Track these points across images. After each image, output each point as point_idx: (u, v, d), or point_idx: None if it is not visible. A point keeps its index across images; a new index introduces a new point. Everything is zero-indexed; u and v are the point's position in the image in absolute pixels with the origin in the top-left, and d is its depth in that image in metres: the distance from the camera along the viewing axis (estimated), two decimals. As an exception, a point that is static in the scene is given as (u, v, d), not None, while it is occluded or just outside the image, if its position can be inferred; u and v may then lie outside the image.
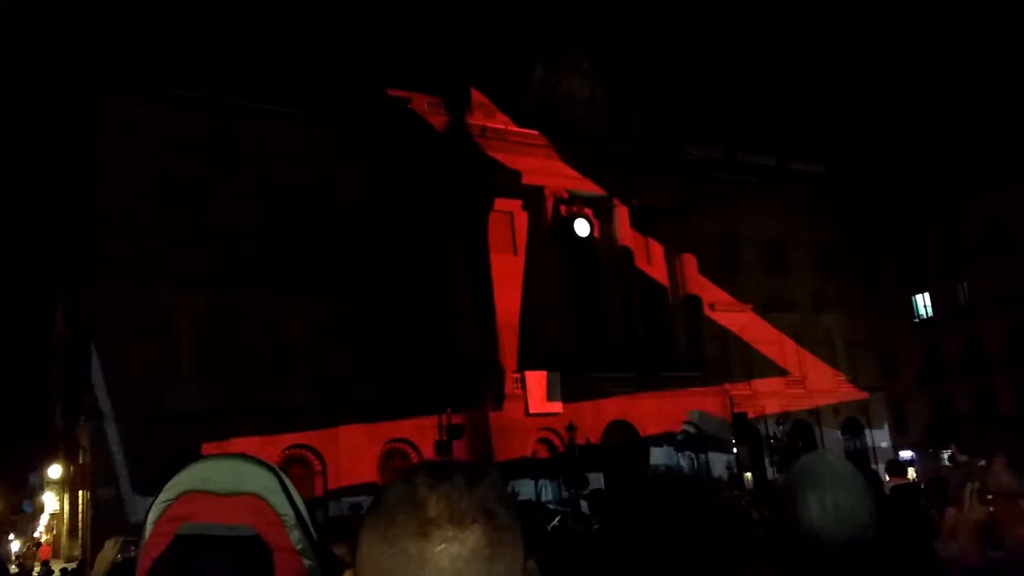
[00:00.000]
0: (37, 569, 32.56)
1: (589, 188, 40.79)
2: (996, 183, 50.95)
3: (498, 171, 38.57)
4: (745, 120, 50.66)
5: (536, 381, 36.77)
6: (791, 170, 50.24)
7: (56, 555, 37.09)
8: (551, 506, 25.49)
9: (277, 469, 1.31)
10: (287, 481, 1.30)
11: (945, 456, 48.36)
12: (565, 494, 32.65)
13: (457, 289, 37.11)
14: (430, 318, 36.21)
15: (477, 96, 39.62)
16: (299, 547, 1.26)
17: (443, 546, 0.94)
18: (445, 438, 30.87)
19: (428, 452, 33.79)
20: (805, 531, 1.99)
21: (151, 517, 1.26)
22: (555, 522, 9.45)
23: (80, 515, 33.68)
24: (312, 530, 1.29)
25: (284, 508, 1.26)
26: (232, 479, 1.26)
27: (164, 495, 1.27)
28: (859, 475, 2.05)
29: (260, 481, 1.27)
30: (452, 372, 34.96)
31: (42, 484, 48.15)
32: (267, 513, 1.25)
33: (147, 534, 1.25)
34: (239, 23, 39.71)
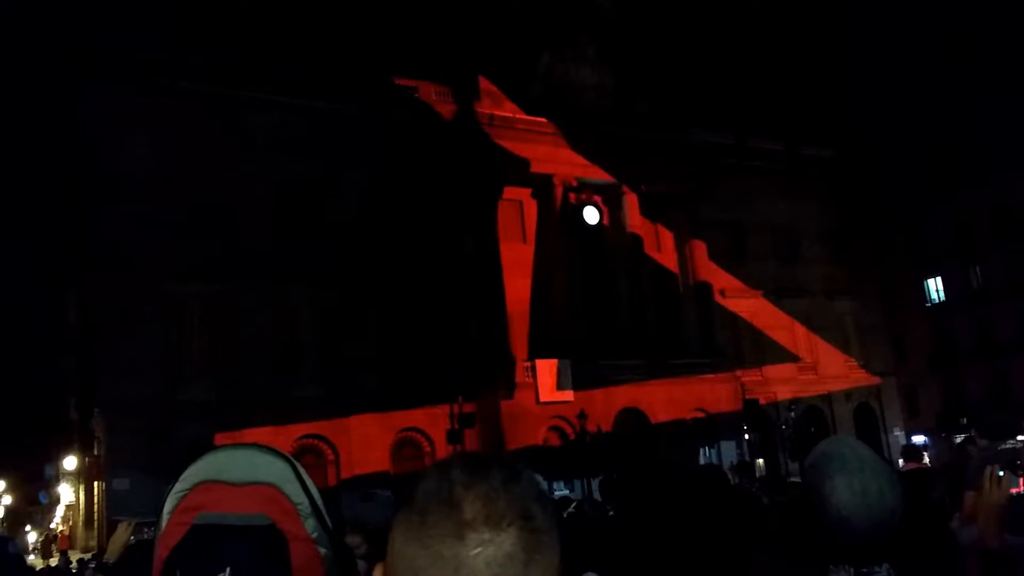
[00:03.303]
0: (56, 559, 32.87)
1: (598, 175, 40.67)
2: (1008, 166, 50.55)
3: (507, 159, 38.49)
4: (754, 105, 50.35)
5: (547, 369, 36.79)
6: (801, 155, 49.97)
7: (72, 546, 37.45)
8: (566, 493, 25.55)
9: (292, 458, 1.32)
10: (302, 470, 1.30)
11: (957, 440, 48.16)
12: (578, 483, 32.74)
13: (467, 278, 37.12)
14: (440, 307, 36.25)
15: (485, 84, 39.50)
16: (314, 536, 1.26)
17: (479, 549, 0.91)
18: (457, 427, 30.95)
19: (440, 441, 33.91)
20: (834, 517, 1.95)
21: (167, 507, 1.26)
22: (571, 508, 9.48)
23: (96, 506, 33.98)
24: (327, 519, 1.29)
25: (299, 497, 1.26)
26: (247, 469, 1.27)
27: (179, 485, 1.27)
28: (880, 458, 2.03)
29: (275, 470, 1.28)
30: (463, 361, 35.02)
31: (58, 475, 48.61)
32: (282, 502, 1.25)
33: (163, 524, 1.25)
34: (243, 12, 39.65)
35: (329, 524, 1.29)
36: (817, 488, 2.00)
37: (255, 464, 1.27)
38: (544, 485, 1.00)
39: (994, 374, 51.61)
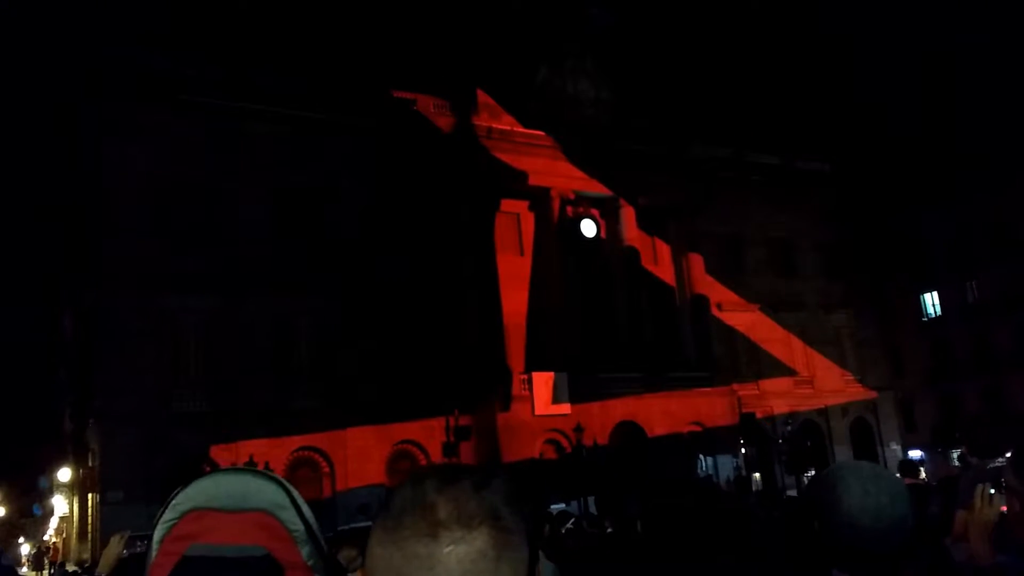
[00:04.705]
0: (47, 572, 32.69)
1: (595, 188, 40.77)
2: (1005, 181, 50.76)
3: (504, 172, 38.58)
4: (752, 119, 50.56)
5: (543, 382, 36.75)
6: (798, 169, 50.14)
7: (66, 558, 37.21)
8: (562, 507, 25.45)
9: (285, 482, 1.28)
10: (296, 494, 1.27)
11: (955, 455, 48.21)
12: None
13: (464, 290, 37.13)
14: (437, 319, 36.23)
15: (483, 97, 39.64)
16: (311, 563, 1.22)
17: (451, 547, 0.96)
18: (452, 439, 30.88)
19: (435, 453, 33.82)
20: (844, 515, 1.97)
21: (156, 536, 1.22)
22: (569, 524, 9.47)
23: (89, 518, 33.79)
24: (323, 543, 1.26)
25: (294, 523, 1.23)
26: (239, 495, 1.22)
27: (169, 513, 1.22)
28: (894, 474, 2.06)
29: (268, 496, 1.24)
30: (459, 373, 34.98)
31: (52, 487, 48.31)
32: (277, 530, 1.21)
33: (153, 554, 1.21)
34: (243, 25, 39.81)
35: (325, 549, 1.26)
36: (829, 487, 2.03)
37: (247, 490, 1.23)
38: (515, 490, 1.05)
39: (991, 388, 51.64)
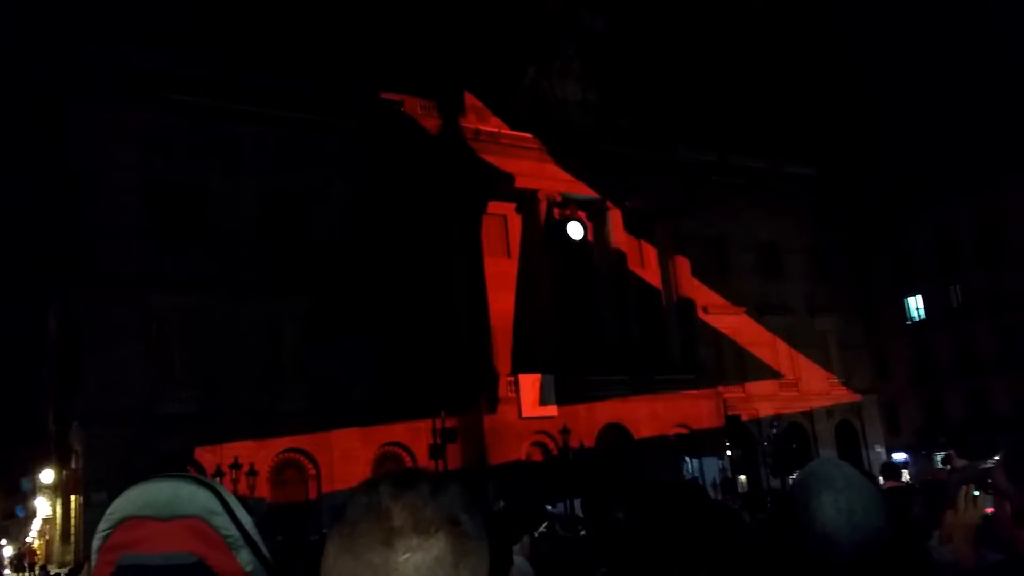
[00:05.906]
0: (29, 573, 32.41)
1: (582, 191, 40.81)
2: (989, 185, 51.17)
3: (491, 174, 38.54)
4: (738, 122, 50.76)
5: (530, 384, 36.73)
6: (784, 172, 50.36)
7: (49, 560, 36.93)
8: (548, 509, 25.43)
9: (219, 487, 1.26)
10: (230, 499, 1.24)
11: (938, 458, 48.52)
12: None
13: (451, 292, 37.08)
14: (424, 321, 36.17)
15: (470, 99, 39.60)
16: (249, 568, 1.20)
17: (407, 555, 0.95)
18: (439, 441, 30.81)
19: (422, 455, 33.72)
20: (819, 534, 1.95)
21: (94, 546, 1.21)
22: (542, 528, 9.44)
23: (73, 520, 33.53)
24: (263, 548, 1.23)
25: (228, 529, 1.20)
26: (170, 502, 1.20)
27: (103, 523, 1.21)
28: (869, 480, 2.04)
29: (199, 502, 1.21)
30: (446, 375, 34.92)
31: (35, 489, 47.93)
32: (210, 536, 1.18)
33: (93, 564, 1.20)
34: (232, 27, 39.67)
35: (267, 554, 1.23)
36: (803, 505, 2.00)
37: (178, 496, 1.21)
38: (473, 494, 1.05)
39: (974, 391, 52.03)
